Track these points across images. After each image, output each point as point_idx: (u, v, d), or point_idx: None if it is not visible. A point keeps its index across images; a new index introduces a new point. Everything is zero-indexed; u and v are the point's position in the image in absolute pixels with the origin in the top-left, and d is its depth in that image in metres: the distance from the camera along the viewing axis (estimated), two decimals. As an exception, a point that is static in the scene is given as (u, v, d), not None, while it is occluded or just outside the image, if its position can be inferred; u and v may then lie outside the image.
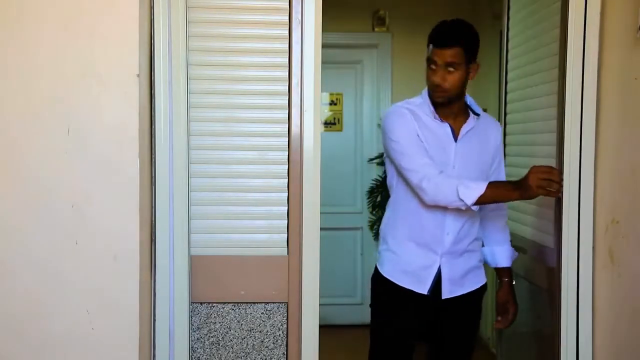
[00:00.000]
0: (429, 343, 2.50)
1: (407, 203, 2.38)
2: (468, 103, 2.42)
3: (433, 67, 2.29)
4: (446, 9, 4.79)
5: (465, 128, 2.37)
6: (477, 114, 2.40)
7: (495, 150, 2.47)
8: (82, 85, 2.00)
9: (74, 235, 2.02)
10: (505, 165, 3.00)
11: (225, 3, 2.24)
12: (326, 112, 5.06)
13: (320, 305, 2.27)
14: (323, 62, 2.24)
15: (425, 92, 2.39)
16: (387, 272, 2.41)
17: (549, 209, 2.48)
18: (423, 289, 2.36)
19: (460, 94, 2.34)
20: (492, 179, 2.41)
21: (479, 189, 2.21)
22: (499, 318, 2.53)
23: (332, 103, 5.06)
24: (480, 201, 2.22)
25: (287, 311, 2.28)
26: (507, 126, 3.00)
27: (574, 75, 2.31)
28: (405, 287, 2.37)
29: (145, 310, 2.13)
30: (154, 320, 2.19)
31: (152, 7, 2.14)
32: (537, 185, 2.18)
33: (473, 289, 2.43)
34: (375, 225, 4.47)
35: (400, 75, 5.03)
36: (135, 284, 2.04)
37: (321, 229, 2.27)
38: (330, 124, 5.06)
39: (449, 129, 2.36)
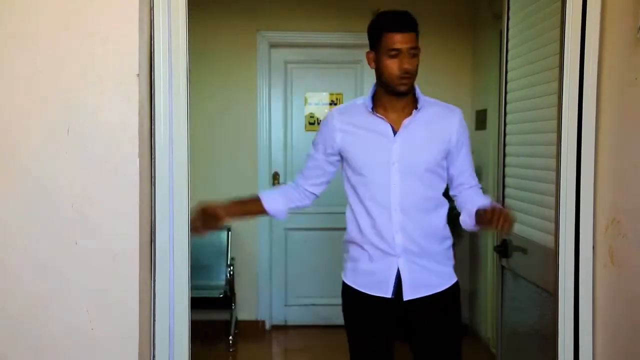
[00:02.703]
0: (409, 343, 2.46)
1: (357, 206, 2.37)
2: (417, 94, 2.39)
3: (394, 54, 2.29)
4: (446, 8, 4.80)
5: (406, 122, 2.34)
6: (417, 107, 2.36)
7: (453, 140, 2.38)
8: (82, 85, 2.00)
9: (74, 235, 2.01)
10: (505, 166, 3.01)
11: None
12: (326, 112, 5.05)
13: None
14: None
15: (371, 90, 2.40)
16: (350, 281, 2.43)
17: (550, 209, 2.48)
18: (386, 292, 2.33)
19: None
20: (457, 171, 2.41)
21: None
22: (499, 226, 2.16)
23: (332, 103, 5.05)
24: None
25: None
26: (507, 126, 2.99)
27: (571, 75, 2.31)
28: (370, 293, 2.36)
29: (145, 310, 2.12)
30: (154, 320, 2.19)
31: (152, 7, 2.14)
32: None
33: (439, 290, 2.38)
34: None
35: (400, 75, 5.02)
36: (135, 284, 2.04)
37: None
38: (330, 124, 5.05)
39: (387, 126, 2.34)
